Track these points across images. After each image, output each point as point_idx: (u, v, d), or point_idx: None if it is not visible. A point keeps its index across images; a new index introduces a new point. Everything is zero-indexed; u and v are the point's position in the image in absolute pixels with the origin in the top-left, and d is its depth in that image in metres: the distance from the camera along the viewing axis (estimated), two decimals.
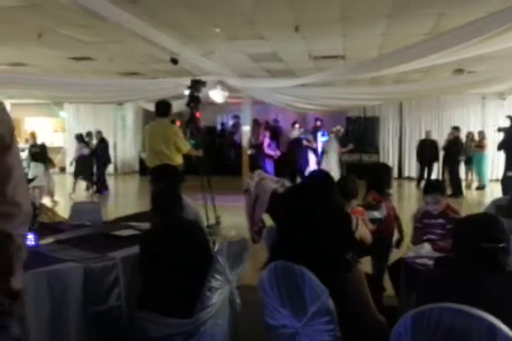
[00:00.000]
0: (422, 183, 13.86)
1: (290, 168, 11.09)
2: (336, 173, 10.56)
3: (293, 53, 9.19)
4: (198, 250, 2.89)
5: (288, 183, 4.00)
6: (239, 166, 13.16)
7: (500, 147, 7.95)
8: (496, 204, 3.75)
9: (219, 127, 17.61)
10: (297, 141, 11.41)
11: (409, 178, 15.64)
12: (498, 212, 3.62)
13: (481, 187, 13.13)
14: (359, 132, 15.82)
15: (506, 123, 8.88)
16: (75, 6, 5.64)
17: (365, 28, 7.37)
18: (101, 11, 5.70)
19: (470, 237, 1.88)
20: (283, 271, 2.30)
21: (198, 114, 7.08)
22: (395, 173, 16.05)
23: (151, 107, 12.16)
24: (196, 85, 6.83)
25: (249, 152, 11.55)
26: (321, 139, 13.84)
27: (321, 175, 3.10)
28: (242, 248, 3.02)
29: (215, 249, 3.93)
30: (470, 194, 12.44)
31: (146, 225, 3.68)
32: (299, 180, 10.65)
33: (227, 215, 7.82)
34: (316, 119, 15.96)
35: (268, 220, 3.93)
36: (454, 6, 6.27)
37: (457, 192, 11.60)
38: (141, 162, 16.00)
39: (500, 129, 8.99)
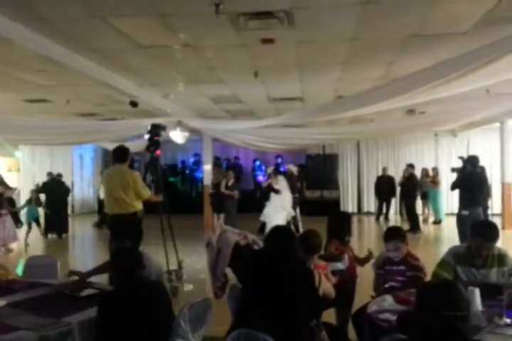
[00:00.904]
0: (381, 218, 14.19)
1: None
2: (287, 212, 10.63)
3: (252, 95, 9.39)
4: (159, 313, 2.79)
5: (250, 235, 3.97)
6: (200, 204, 13.07)
7: (453, 187, 8.19)
8: (453, 252, 3.78)
9: (180, 165, 17.54)
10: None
11: (369, 213, 15.92)
12: (456, 260, 3.67)
13: (437, 222, 13.46)
14: (319, 169, 16.07)
15: (459, 162, 9.23)
16: (32, 53, 5.62)
17: (320, 74, 7.65)
18: (60, 58, 5.68)
19: (432, 305, 1.90)
20: (247, 340, 2.25)
21: (158, 152, 7.01)
22: (355, 208, 16.35)
23: (110, 146, 12.07)
24: (156, 130, 6.80)
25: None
26: None
27: (283, 231, 3.09)
28: (205, 308, 2.94)
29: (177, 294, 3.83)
30: (427, 228, 12.72)
31: (104, 281, 3.55)
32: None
33: (189, 257, 7.70)
34: (277, 157, 16.19)
35: (231, 274, 3.87)
36: (404, 55, 6.61)
37: (415, 227, 11.81)
38: (100, 202, 15.62)
39: (453, 170, 9.33)
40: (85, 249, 11.02)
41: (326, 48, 6.24)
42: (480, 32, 5.53)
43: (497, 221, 12.26)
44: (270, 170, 11.25)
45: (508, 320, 2.74)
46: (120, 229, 5.59)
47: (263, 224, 10.61)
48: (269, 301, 2.57)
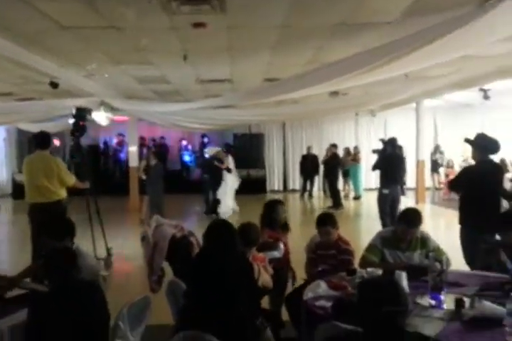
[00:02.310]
0: (305, 195, 14.65)
1: (204, 186, 11.05)
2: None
3: (181, 77, 9.20)
4: (93, 314, 2.72)
5: (186, 227, 3.96)
6: (126, 185, 12.80)
7: (374, 168, 8.56)
8: (380, 236, 4.00)
9: (102, 145, 16.91)
10: (211, 160, 11.02)
11: (294, 191, 16.36)
12: (383, 244, 3.89)
13: (357, 197, 14.15)
14: (245, 148, 16.18)
15: (378, 142, 9.68)
16: None
17: (250, 58, 7.64)
18: None
19: (372, 301, 2.01)
20: None
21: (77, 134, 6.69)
22: (281, 186, 16.71)
23: (31, 128, 11.38)
24: (81, 113, 6.49)
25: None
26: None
27: (223, 225, 3.11)
28: (143, 306, 2.92)
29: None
30: (348, 204, 13.31)
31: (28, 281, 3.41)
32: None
33: (117, 242, 7.53)
34: (203, 136, 16.09)
35: (168, 268, 3.86)
36: (332, 42, 6.75)
37: (337, 203, 12.30)
38: (15, 184, 14.77)
39: (374, 151, 9.77)
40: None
41: (257, 34, 6.22)
42: (405, 22, 5.72)
43: (411, 195, 13.13)
44: (213, 150, 11.33)
45: (432, 302, 2.97)
46: (44, 219, 5.35)
47: (215, 203, 10.70)
48: (212, 297, 2.61)
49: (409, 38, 5.07)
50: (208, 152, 11.36)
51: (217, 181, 10.68)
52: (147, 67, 8.02)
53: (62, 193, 5.81)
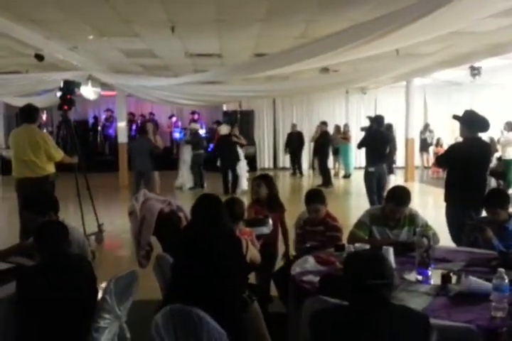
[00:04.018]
0: (297, 172, 14.65)
1: (222, 164, 11.09)
2: None
3: (169, 51, 9.04)
4: (83, 289, 2.71)
5: (174, 201, 3.92)
6: (115, 161, 12.71)
7: (359, 145, 8.49)
8: (370, 213, 4.01)
9: (91, 120, 16.68)
10: (227, 137, 11.13)
11: (284, 168, 16.34)
12: (371, 221, 3.90)
13: (347, 176, 14.16)
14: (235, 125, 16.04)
15: (367, 121, 9.67)
16: None
17: (240, 30, 7.49)
18: None
19: (357, 274, 2.01)
20: (180, 315, 2.26)
21: (65, 107, 6.57)
22: (271, 164, 16.68)
23: (18, 102, 11.15)
24: (69, 86, 6.35)
25: None
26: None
27: (211, 199, 3.08)
28: (130, 280, 2.91)
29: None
30: (337, 182, 13.32)
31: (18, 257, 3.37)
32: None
33: (108, 219, 7.49)
34: (193, 113, 15.91)
35: (156, 243, 3.84)
36: (322, 15, 6.62)
37: (327, 182, 12.33)
38: (3, 160, 14.58)
39: (362, 129, 9.77)
40: None
41: (246, 5, 6.08)
42: None
43: (400, 174, 13.19)
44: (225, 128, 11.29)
45: (419, 277, 3.00)
46: (31, 194, 5.30)
47: (234, 180, 10.85)
48: (199, 272, 2.60)
49: (399, 12, 4.97)
50: (222, 130, 11.31)
51: (236, 158, 10.92)
52: (134, 40, 7.85)
53: (50, 168, 5.72)
